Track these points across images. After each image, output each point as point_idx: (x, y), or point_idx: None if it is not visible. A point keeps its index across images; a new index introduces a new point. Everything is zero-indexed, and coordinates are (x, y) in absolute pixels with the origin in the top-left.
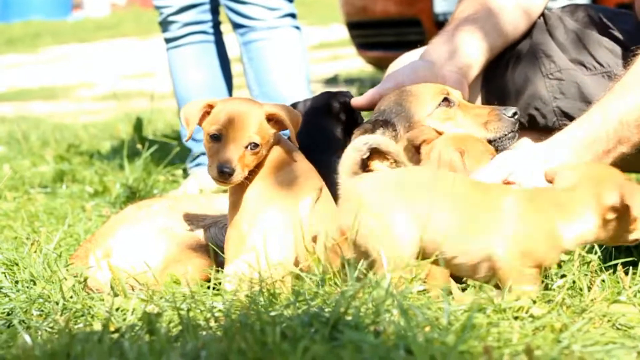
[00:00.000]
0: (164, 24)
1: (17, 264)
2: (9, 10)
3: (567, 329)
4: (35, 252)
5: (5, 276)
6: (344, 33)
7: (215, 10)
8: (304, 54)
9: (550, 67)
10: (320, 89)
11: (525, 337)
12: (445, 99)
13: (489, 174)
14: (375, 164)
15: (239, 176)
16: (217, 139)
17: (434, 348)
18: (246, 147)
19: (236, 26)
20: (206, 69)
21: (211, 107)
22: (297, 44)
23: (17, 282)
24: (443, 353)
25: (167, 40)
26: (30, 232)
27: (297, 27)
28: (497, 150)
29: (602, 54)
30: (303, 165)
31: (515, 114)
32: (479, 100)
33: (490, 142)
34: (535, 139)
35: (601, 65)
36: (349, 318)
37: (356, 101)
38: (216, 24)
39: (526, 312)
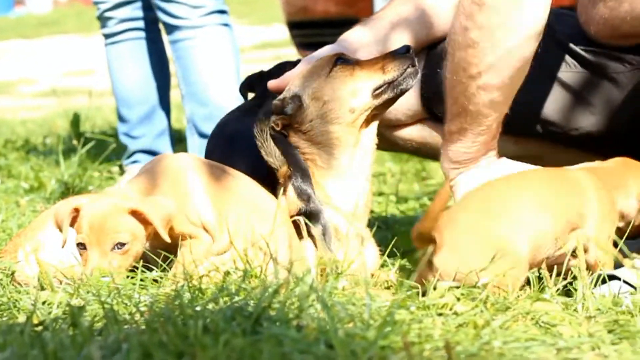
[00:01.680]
0: (102, 20)
1: None
2: None
3: (489, 325)
4: None
5: None
6: (286, 33)
7: (149, 7)
8: (233, 52)
9: None
10: None
11: (447, 333)
12: (340, 59)
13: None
14: None
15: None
16: (84, 247)
17: (354, 343)
18: (112, 249)
19: (164, 25)
20: (142, 66)
21: (77, 211)
22: (226, 42)
23: None
24: (363, 348)
25: (105, 36)
26: None
27: (227, 24)
28: (403, 91)
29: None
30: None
31: (408, 49)
32: (414, 94)
33: (392, 83)
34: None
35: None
36: (273, 313)
37: (272, 84)
38: (153, 21)
39: (450, 309)
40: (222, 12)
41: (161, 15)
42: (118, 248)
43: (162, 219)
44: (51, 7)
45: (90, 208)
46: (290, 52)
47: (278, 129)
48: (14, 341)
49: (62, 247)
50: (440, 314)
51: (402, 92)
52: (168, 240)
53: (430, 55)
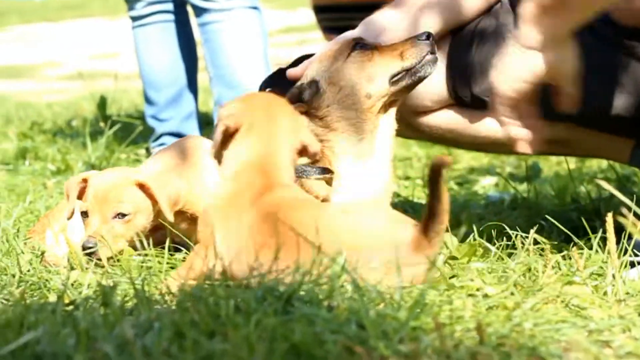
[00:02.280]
0: (129, 2)
1: None
2: None
3: (519, 307)
4: None
5: None
6: (311, 17)
7: None
8: (262, 35)
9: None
10: None
11: (477, 314)
12: (359, 44)
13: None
14: None
15: (105, 250)
16: (87, 215)
17: (386, 323)
18: (114, 218)
19: (192, 7)
20: (170, 49)
21: (85, 181)
22: (254, 25)
23: None
24: (395, 328)
25: (133, 19)
26: None
27: (255, 7)
28: (421, 78)
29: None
30: None
31: (429, 36)
32: (440, 79)
33: (410, 70)
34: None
35: None
36: (303, 293)
37: (292, 72)
38: (181, 4)
39: (479, 291)
40: None
41: None
42: (120, 217)
43: (168, 197)
44: None
45: (97, 179)
46: (315, 36)
47: None
48: (45, 320)
49: (68, 218)
50: (469, 296)
51: (420, 80)
52: (171, 218)
53: (456, 39)
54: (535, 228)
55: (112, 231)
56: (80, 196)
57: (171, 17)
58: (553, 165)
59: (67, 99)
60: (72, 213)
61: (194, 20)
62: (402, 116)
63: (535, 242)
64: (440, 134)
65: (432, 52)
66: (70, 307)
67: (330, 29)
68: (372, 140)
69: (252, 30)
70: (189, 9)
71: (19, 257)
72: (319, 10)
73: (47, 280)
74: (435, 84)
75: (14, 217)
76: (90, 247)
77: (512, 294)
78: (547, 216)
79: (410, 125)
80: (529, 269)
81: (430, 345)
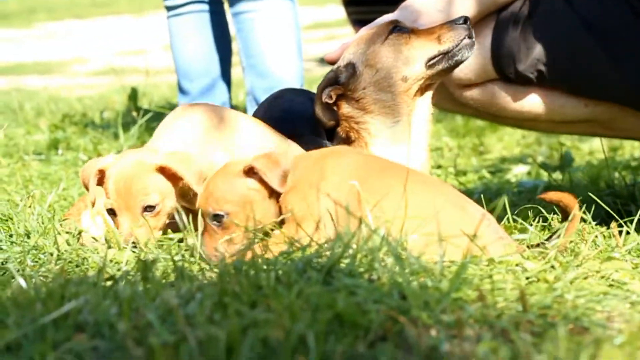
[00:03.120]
0: None
1: (11, 219)
2: None
3: (560, 280)
4: (30, 207)
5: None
6: (340, 13)
7: None
8: (295, 26)
9: None
10: (314, 69)
11: (519, 287)
12: (396, 27)
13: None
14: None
15: (149, 242)
16: (113, 212)
17: (428, 294)
18: (142, 213)
19: None
20: (205, 38)
21: (102, 172)
22: (287, 15)
23: (11, 235)
24: (437, 299)
25: (168, 9)
26: (24, 195)
27: None
28: (458, 63)
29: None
30: None
31: (466, 20)
32: (485, 59)
33: (447, 53)
34: (542, 95)
35: None
36: (344, 265)
37: (329, 55)
38: None
39: (519, 266)
40: None
41: None
42: (149, 210)
43: (195, 173)
44: None
45: (115, 170)
46: (344, 32)
47: (331, 101)
48: (86, 291)
49: (92, 206)
50: (509, 271)
51: (457, 64)
52: (196, 191)
53: (500, 17)
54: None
55: (145, 226)
56: (99, 183)
57: (206, 7)
58: (585, 154)
59: (97, 92)
60: (94, 202)
61: (228, 11)
62: (446, 90)
63: None
64: (484, 107)
65: (470, 37)
66: (110, 283)
67: (360, 22)
68: (408, 124)
69: (285, 21)
70: None
71: (56, 237)
72: (348, 3)
73: (84, 258)
74: (480, 59)
75: (48, 202)
76: (135, 250)
77: (552, 267)
78: (581, 200)
79: (454, 99)
80: (567, 247)
81: (473, 314)
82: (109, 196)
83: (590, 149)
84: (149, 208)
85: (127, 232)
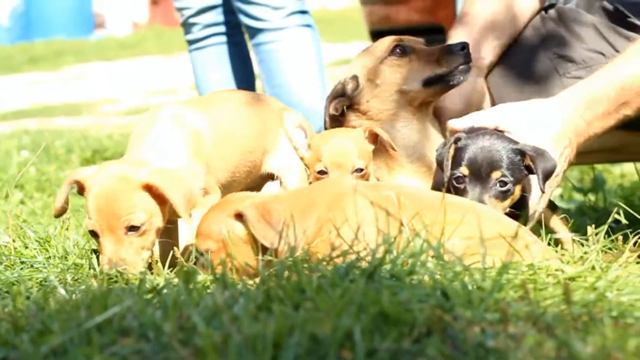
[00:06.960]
0: (186, 26)
1: (48, 242)
2: (32, 30)
3: (601, 279)
4: (66, 229)
5: (38, 252)
6: None
7: (232, 12)
8: (316, 53)
9: (567, 67)
10: None
11: (561, 284)
12: (397, 46)
13: (482, 117)
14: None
15: (137, 265)
16: (95, 234)
17: (471, 293)
18: (127, 233)
19: (246, 28)
20: (227, 69)
21: (79, 183)
22: (308, 43)
23: (49, 258)
24: (480, 297)
25: (189, 42)
26: (57, 225)
27: (309, 25)
28: (453, 85)
29: (622, 44)
30: None
31: (464, 47)
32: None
33: (444, 76)
34: None
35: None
36: (386, 269)
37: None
38: (236, 25)
39: (558, 271)
40: (304, 12)
41: (243, 19)
42: (133, 230)
43: (184, 197)
44: (131, 29)
45: (95, 185)
46: None
47: (337, 113)
48: (130, 298)
49: (55, 216)
50: (549, 275)
51: (452, 86)
52: (190, 222)
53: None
54: (608, 223)
55: (130, 248)
56: (81, 192)
57: (227, 38)
58: (617, 177)
59: (127, 131)
60: (57, 211)
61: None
62: None
63: (609, 236)
64: None
65: (467, 62)
66: (151, 294)
67: None
68: (415, 131)
69: (306, 49)
70: (244, 29)
71: (93, 257)
72: (375, 35)
73: (121, 273)
74: None
75: (83, 229)
76: (122, 273)
77: (592, 267)
78: (617, 216)
79: None
80: (606, 252)
81: (517, 311)
82: (90, 216)
83: (622, 172)
84: (132, 228)
85: (109, 256)
